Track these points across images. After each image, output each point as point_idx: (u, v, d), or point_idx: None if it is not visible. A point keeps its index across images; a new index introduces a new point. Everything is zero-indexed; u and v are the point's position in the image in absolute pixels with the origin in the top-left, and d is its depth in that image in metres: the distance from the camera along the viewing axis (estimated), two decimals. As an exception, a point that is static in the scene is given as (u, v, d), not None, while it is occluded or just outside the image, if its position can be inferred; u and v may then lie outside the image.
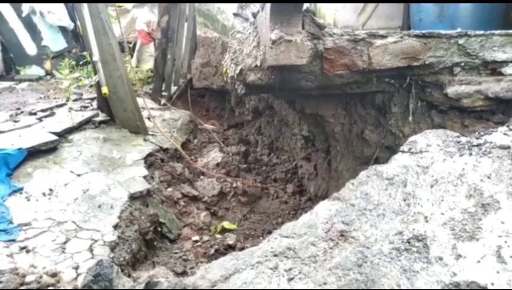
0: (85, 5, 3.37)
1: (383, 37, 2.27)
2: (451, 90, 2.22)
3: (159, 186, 3.51)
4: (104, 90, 3.60)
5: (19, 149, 3.09)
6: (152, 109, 5.32)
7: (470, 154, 1.63)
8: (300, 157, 4.67)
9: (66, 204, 2.73)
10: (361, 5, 5.51)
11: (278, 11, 2.24)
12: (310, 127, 4.04)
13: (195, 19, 7.63)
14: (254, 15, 2.96)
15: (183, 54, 7.38)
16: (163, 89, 6.48)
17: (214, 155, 4.83)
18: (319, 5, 5.89)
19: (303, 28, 2.32)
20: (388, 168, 1.80)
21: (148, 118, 4.51)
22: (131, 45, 7.70)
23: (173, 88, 6.97)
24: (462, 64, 2.27)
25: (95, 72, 3.86)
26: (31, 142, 3.24)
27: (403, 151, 1.86)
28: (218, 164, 4.55)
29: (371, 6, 5.52)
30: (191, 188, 3.79)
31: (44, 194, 2.82)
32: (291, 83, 2.61)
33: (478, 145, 1.65)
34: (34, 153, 3.22)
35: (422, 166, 1.71)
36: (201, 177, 4.13)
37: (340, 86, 2.59)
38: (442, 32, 2.27)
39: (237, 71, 3.00)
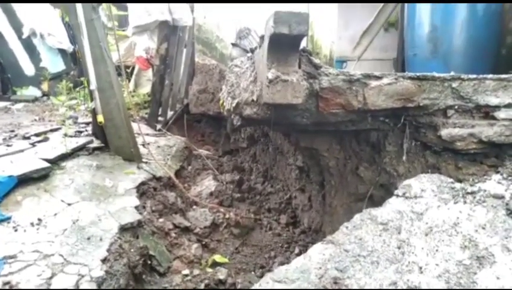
0: (85, 34, 3.41)
1: (377, 78, 2.31)
2: (445, 133, 2.24)
3: (151, 216, 3.45)
4: (100, 118, 3.60)
5: (10, 176, 3.04)
6: (147, 134, 5.32)
7: (465, 202, 1.62)
8: (296, 189, 4.65)
9: (55, 235, 2.67)
10: (357, 38, 5.66)
11: (275, 50, 2.27)
12: (305, 159, 4.04)
13: (193, 45, 7.76)
14: (252, 50, 3.01)
15: (181, 79, 7.45)
16: (159, 113, 6.51)
17: (208, 183, 4.79)
18: (316, 36, 6.04)
19: (299, 67, 2.35)
20: (382, 213, 1.79)
21: (143, 145, 4.49)
22: (129, 70, 7.77)
23: (169, 113, 7.00)
24: (456, 107, 2.30)
25: (92, 98, 3.86)
26: (22, 169, 3.19)
27: (397, 195, 1.85)
28: (211, 193, 4.51)
29: (366, 39, 5.66)
30: (183, 218, 3.74)
31: (32, 224, 2.76)
32: (286, 118, 2.62)
33: (472, 193, 1.65)
34: (25, 180, 3.17)
35: (417, 212, 1.70)
36: (194, 207, 4.07)
37: (335, 124, 2.60)
38: (436, 75, 2.30)
39: (234, 104, 3.01)
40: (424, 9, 4.45)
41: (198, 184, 4.91)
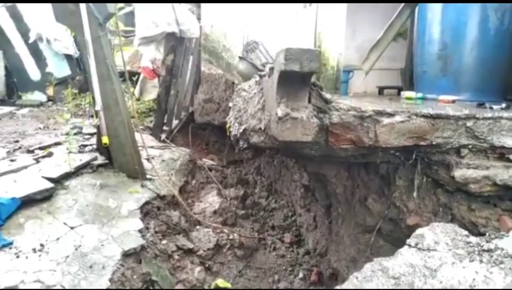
0: (91, 52, 3.37)
1: (390, 115, 2.24)
2: (458, 174, 2.17)
3: (154, 238, 3.40)
4: (105, 140, 3.55)
5: (13, 198, 3.00)
6: (152, 147, 5.28)
7: (481, 261, 1.56)
8: (300, 207, 4.59)
9: (57, 263, 2.62)
10: (364, 47, 5.58)
11: (285, 85, 2.22)
12: (311, 181, 3.97)
13: (200, 53, 7.72)
14: (260, 76, 2.95)
15: (187, 87, 7.42)
16: (164, 122, 6.47)
17: (212, 200, 4.74)
18: (323, 48, 5.96)
19: (309, 101, 2.30)
20: (394, 265, 1.72)
21: (147, 159, 4.44)
22: (134, 78, 7.75)
23: (174, 122, 6.97)
24: (470, 146, 2.24)
25: (97, 114, 3.82)
26: (25, 190, 3.15)
27: (410, 246, 1.79)
28: (215, 211, 4.46)
29: (374, 54, 5.57)
30: (186, 239, 3.69)
31: (34, 250, 2.71)
32: (294, 149, 2.57)
33: (489, 250, 1.59)
34: (28, 201, 3.13)
35: (430, 268, 1.64)
36: (198, 227, 4.02)
37: (345, 157, 2.54)
38: (451, 113, 2.24)
39: (241, 130, 2.96)
40: (434, 26, 4.38)
41: (202, 200, 4.86)
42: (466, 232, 1.74)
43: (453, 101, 3.80)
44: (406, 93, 4.42)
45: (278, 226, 4.74)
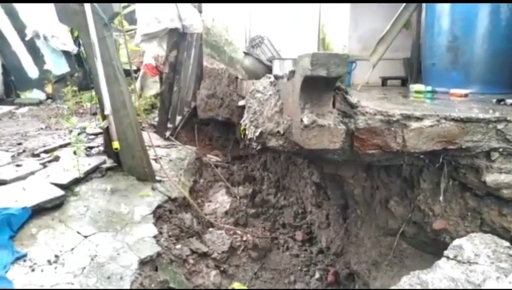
0: (98, 55, 3.25)
1: (418, 119, 2.17)
2: (490, 179, 2.11)
3: (168, 243, 3.34)
4: (116, 145, 3.45)
5: (23, 208, 2.92)
6: (158, 146, 5.18)
7: (528, 276, 1.51)
8: (311, 205, 4.53)
9: (74, 275, 2.55)
10: (366, 37, 5.49)
11: (310, 90, 2.13)
12: (325, 180, 3.91)
13: (201, 47, 7.56)
14: (276, 77, 2.85)
15: (188, 82, 7.29)
16: (168, 118, 6.36)
17: (222, 199, 4.67)
18: (327, 40, 5.85)
19: (334, 106, 2.22)
20: (433, 279, 1.66)
21: (155, 160, 4.36)
22: (136, 75, 7.60)
23: (178, 118, 6.86)
24: (501, 149, 2.17)
25: (104, 117, 3.71)
26: (35, 198, 3.06)
27: (448, 258, 1.73)
28: (226, 212, 4.40)
29: (382, 47, 5.47)
30: (200, 242, 3.63)
31: (49, 261, 2.64)
32: (318, 155, 2.50)
33: (535, 264, 1.53)
34: (39, 210, 3.05)
35: (473, 283, 1.58)
36: (211, 229, 3.96)
37: (369, 161, 2.47)
38: (481, 116, 2.16)
39: (257, 134, 2.88)
40: (444, 17, 4.28)
41: (212, 199, 4.79)
42: (507, 244, 1.68)
43: (466, 95, 3.73)
44: (415, 87, 4.33)
45: (288, 224, 4.69)
